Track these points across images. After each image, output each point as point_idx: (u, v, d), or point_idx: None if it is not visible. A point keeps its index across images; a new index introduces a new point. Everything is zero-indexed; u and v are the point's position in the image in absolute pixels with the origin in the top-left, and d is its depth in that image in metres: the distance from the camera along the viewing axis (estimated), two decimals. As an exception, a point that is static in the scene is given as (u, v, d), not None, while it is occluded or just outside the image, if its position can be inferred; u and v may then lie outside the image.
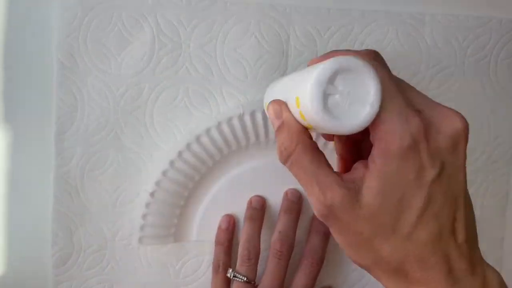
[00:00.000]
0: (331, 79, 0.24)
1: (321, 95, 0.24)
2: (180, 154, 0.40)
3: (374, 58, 0.28)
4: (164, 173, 0.40)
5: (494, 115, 0.42)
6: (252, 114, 0.39)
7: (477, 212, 0.44)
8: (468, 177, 0.43)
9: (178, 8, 0.39)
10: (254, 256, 0.39)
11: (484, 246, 0.44)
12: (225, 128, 0.39)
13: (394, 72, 0.40)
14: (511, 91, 0.42)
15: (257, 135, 0.40)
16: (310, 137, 0.28)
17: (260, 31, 0.40)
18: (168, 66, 0.40)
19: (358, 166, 0.27)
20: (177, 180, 0.40)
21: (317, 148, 0.27)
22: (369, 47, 0.40)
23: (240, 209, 0.42)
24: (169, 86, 0.40)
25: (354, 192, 0.26)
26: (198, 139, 0.39)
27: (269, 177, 0.41)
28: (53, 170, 0.40)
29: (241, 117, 0.40)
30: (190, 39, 0.39)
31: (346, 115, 0.25)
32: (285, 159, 0.28)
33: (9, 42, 0.39)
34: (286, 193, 0.42)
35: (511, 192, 0.43)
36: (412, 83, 0.41)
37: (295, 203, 0.41)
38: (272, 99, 0.30)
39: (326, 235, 0.41)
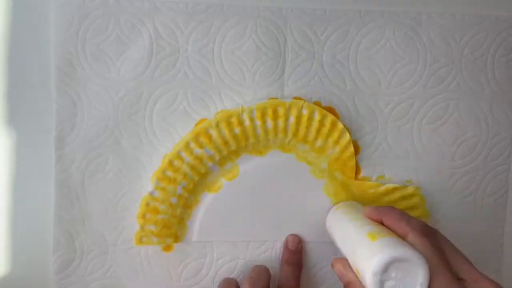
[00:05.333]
0: (385, 269, 0.29)
1: (378, 284, 0.29)
2: (179, 154, 0.40)
3: (425, 233, 0.32)
4: (164, 172, 0.40)
5: (492, 112, 0.42)
6: (251, 114, 0.40)
7: (477, 210, 0.44)
8: (467, 176, 0.43)
9: (175, 12, 0.39)
10: None
11: (484, 243, 0.44)
12: (224, 128, 0.40)
13: (392, 72, 0.41)
14: (509, 88, 0.42)
15: (256, 135, 0.40)
16: None
17: (257, 33, 0.40)
18: (166, 70, 0.40)
19: None
20: (177, 180, 0.40)
21: None
22: (366, 47, 0.41)
23: (239, 210, 0.42)
24: (168, 90, 0.40)
25: None
26: (197, 139, 0.40)
27: (269, 176, 0.42)
28: (53, 176, 0.40)
29: (240, 117, 0.40)
30: (188, 42, 0.40)
31: None
32: None
33: (7, 49, 0.39)
34: (286, 241, 0.42)
35: (510, 190, 0.43)
36: (410, 82, 0.42)
37: (295, 253, 0.42)
38: (338, 244, 0.37)
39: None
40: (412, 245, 0.30)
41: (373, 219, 0.35)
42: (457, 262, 0.31)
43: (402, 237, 0.32)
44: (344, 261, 0.34)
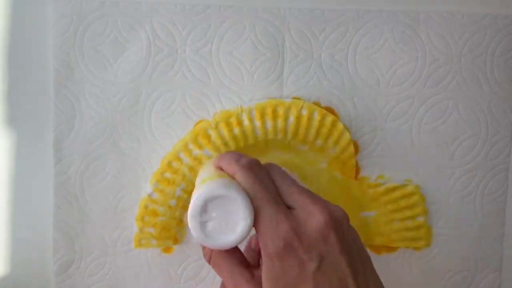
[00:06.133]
0: (203, 210, 0.29)
1: (198, 226, 0.29)
2: (178, 155, 0.40)
3: (251, 169, 0.31)
4: (162, 174, 0.40)
5: (492, 111, 0.42)
6: (250, 114, 0.40)
7: (476, 209, 0.44)
8: (467, 175, 0.43)
9: (172, 13, 0.39)
10: None
11: (484, 243, 0.44)
12: (223, 129, 0.40)
13: (390, 72, 0.41)
14: (508, 87, 0.42)
15: (255, 136, 0.40)
16: None
17: (255, 34, 0.40)
18: (164, 71, 0.40)
19: (262, 263, 0.30)
20: (175, 182, 0.40)
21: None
22: (365, 47, 0.41)
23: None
24: (166, 91, 0.40)
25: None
26: (196, 140, 0.40)
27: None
28: (52, 178, 0.40)
29: (239, 117, 0.40)
30: (186, 43, 0.40)
31: (225, 234, 0.29)
32: (208, 261, 0.32)
33: (6, 51, 0.39)
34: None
35: (510, 189, 0.43)
36: (409, 81, 0.41)
37: None
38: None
39: None
40: (239, 183, 0.30)
41: (217, 168, 0.34)
42: (287, 192, 0.30)
43: (233, 178, 0.31)
44: None
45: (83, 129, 0.40)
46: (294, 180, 0.32)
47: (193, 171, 0.40)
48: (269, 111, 0.40)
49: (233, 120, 0.40)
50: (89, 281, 0.42)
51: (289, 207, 0.30)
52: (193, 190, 0.40)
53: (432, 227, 0.43)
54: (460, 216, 0.43)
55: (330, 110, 0.41)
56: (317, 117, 0.40)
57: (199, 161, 0.40)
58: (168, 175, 0.40)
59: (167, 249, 0.42)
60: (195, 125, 0.40)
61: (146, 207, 0.40)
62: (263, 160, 0.41)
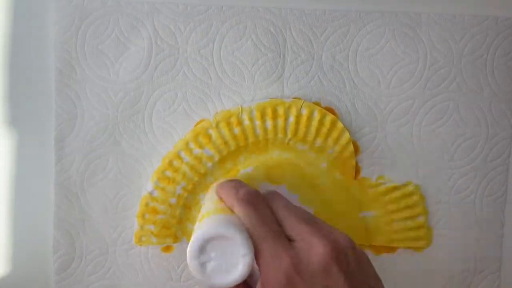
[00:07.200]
0: (202, 251, 0.28)
1: (198, 267, 0.28)
2: (179, 154, 0.40)
3: (251, 202, 0.30)
4: (163, 172, 0.40)
5: (492, 113, 0.42)
6: (250, 114, 0.40)
7: (476, 210, 0.44)
8: (466, 176, 0.43)
9: (174, 13, 0.39)
10: None
11: (483, 244, 0.44)
12: (224, 128, 0.40)
13: (391, 73, 0.41)
14: (508, 89, 0.42)
15: (255, 135, 0.40)
16: None
17: (256, 34, 0.40)
18: (166, 71, 0.40)
19: None
20: (176, 180, 0.40)
21: None
22: (366, 48, 0.41)
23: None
24: (167, 91, 0.40)
25: None
26: (196, 139, 0.40)
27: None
28: (53, 177, 0.40)
29: (239, 117, 0.40)
30: (187, 43, 0.40)
31: (226, 273, 0.28)
32: None
33: (8, 50, 0.39)
34: None
35: (510, 190, 0.43)
36: (409, 83, 0.42)
37: None
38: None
39: None
40: (238, 217, 0.29)
41: (219, 197, 0.34)
42: (289, 224, 0.30)
43: (231, 210, 0.31)
44: None
45: (84, 128, 0.40)
46: (297, 209, 0.31)
47: (194, 170, 0.40)
48: (269, 110, 0.40)
49: (233, 120, 0.40)
50: (89, 280, 0.42)
51: (291, 239, 0.29)
52: (193, 189, 0.41)
53: (432, 228, 0.43)
54: (460, 217, 0.43)
55: (330, 111, 0.41)
56: (316, 116, 0.40)
57: (199, 160, 0.40)
58: (169, 173, 0.40)
59: (167, 248, 0.42)
60: (195, 125, 0.41)
61: (147, 204, 0.40)
62: (264, 160, 0.41)
